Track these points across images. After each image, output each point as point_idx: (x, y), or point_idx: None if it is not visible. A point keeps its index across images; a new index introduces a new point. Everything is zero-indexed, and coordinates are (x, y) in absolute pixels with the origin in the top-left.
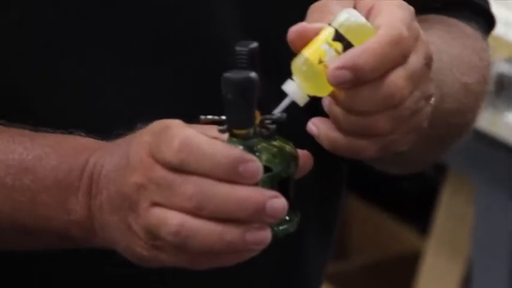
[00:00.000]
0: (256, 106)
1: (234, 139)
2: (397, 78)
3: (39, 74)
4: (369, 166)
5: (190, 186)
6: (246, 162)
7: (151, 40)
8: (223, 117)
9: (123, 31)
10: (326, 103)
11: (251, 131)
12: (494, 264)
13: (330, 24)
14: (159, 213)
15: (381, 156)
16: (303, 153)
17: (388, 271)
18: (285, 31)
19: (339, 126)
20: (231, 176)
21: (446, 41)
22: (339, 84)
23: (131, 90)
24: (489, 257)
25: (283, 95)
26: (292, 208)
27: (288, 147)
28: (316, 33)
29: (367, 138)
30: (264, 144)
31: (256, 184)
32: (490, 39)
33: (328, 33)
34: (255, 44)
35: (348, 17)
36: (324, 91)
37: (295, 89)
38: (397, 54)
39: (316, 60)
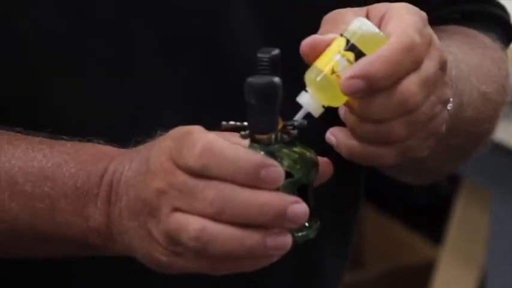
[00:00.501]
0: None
1: (256, 145)
2: (410, 84)
3: (53, 74)
4: (385, 176)
5: (212, 191)
6: (268, 167)
7: (160, 42)
8: (245, 123)
9: (133, 33)
10: (342, 112)
11: (273, 136)
12: (508, 274)
13: (341, 35)
14: (180, 218)
15: (400, 162)
16: (322, 161)
17: (403, 281)
18: (299, 32)
19: (355, 134)
20: (253, 181)
21: (465, 51)
22: (352, 93)
23: (142, 92)
24: (503, 267)
25: (298, 103)
26: (311, 215)
27: (309, 154)
28: (328, 44)
29: (385, 145)
30: (285, 150)
31: (277, 190)
32: (509, 51)
33: (339, 43)
34: (276, 51)
35: (359, 26)
36: (338, 101)
37: (309, 101)
38: (409, 61)
39: (328, 71)
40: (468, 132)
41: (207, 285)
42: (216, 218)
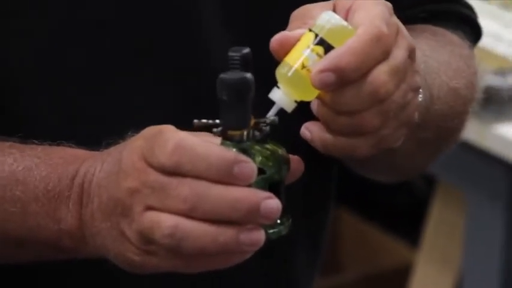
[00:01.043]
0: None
1: (228, 142)
2: (380, 73)
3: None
4: (361, 178)
5: (185, 188)
6: (241, 164)
7: (132, 45)
8: (217, 121)
9: (105, 36)
10: (314, 107)
11: (245, 133)
12: (485, 276)
13: (310, 30)
14: (152, 216)
15: (374, 153)
16: (293, 158)
17: (380, 284)
18: (269, 32)
19: (329, 127)
20: (226, 177)
21: (433, 47)
22: (323, 87)
23: (115, 98)
24: (480, 268)
25: (270, 100)
26: (283, 211)
27: (281, 151)
28: (297, 39)
29: (359, 136)
30: (257, 147)
31: (249, 186)
32: (478, 51)
33: (308, 38)
34: (247, 50)
35: (327, 20)
36: (310, 95)
37: (282, 96)
38: (378, 51)
39: (299, 66)
40: (439, 127)
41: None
42: (189, 214)
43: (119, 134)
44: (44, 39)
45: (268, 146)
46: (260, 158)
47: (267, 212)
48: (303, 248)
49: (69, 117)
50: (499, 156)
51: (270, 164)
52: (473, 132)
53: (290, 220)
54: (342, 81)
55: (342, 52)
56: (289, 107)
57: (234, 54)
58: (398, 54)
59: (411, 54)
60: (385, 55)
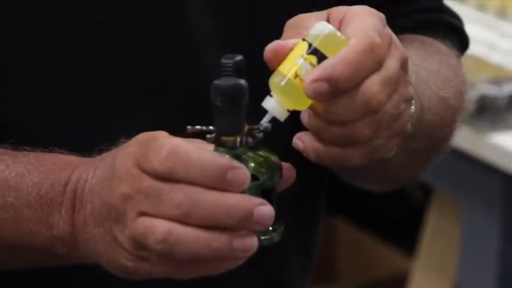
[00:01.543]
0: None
1: (221, 148)
2: (373, 84)
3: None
4: (356, 187)
5: (179, 194)
6: (234, 170)
7: (131, 46)
8: (211, 128)
9: (105, 36)
10: (305, 118)
11: (238, 139)
12: (481, 284)
13: (303, 39)
14: (146, 222)
15: (367, 163)
16: (286, 166)
17: None
18: (262, 41)
19: (320, 138)
20: (219, 183)
21: (422, 57)
22: (316, 96)
23: (114, 98)
24: (476, 277)
25: (261, 107)
26: (276, 218)
27: (273, 158)
28: (291, 49)
29: (351, 146)
30: (251, 154)
31: (242, 192)
32: (473, 60)
33: (302, 47)
34: (240, 57)
35: (321, 30)
36: (302, 105)
37: (274, 105)
38: (371, 62)
39: (292, 76)
40: (430, 137)
41: None
42: (182, 220)
43: (118, 135)
44: (44, 39)
45: (261, 152)
46: (253, 164)
47: (260, 219)
48: (295, 255)
49: (69, 117)
50: (494, 165)
51: (263, 170)
52: (469, 141)
53: (282, 227)
54: (335, 91)
55: (335, 62)
56: (282, 116)
57: (227, 61)
58: (391, 65)
59: (404, 64)
60: (378, 65)
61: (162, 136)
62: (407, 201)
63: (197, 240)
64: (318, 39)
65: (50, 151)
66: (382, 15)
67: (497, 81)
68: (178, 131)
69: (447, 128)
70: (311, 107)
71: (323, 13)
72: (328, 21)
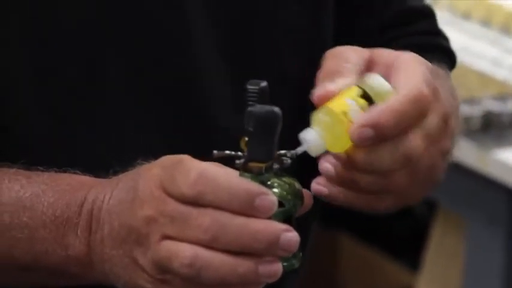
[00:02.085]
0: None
1: (247, 174)
2: (415, 137)
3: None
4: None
5: (207, 218)
6: (262, 196)
7: (119, 58)
8: (239, 153)
9: (99, 52)
10: (326, 165)
11: (265, 165)
12: None
13: (358, 86)
14: (170, 245)
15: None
16: (305, 193)
17: None
18: (259, 53)
19: (352, 185)
20: (247, 209)
21: None
22: (361, 141)
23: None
24: None
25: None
26: None
27: (297, 184)
28: (339, 93)
29: (383, 194)
30: (276, 180)
31: (269, 218)
32: (477, 76)
33: (353, 90)
34: (265, 83)
35: (377, 84)
36: (339, 146)
37: (315, 138)
38: (416, 113)
39: (341, 113)
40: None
41: None
42: (209, 245)
43: (117, 135)
44: (41, 41)
45: (285, 179)
46: (279, 191)
47: (286, 245)
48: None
49: (68, 117)
50: (499, 181)
51: (289, 197)
52: (473, 157)
53: (301, 253)
54: (379, 138)
55: (383, 109)
56: (318, 150)
57: (252, 87)
58: (433, 119)
59: (445, 118)
60: (422, 117)
61: (189, 160)
62: (412, 217)
63: (223, 265)
64: (369, 88)
65: (64, 171)
66: (429, 65)
67: (502, 97)
68: (177, 130)
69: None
70: (348, 153)
71: (362, 50)
72: (372, 61)
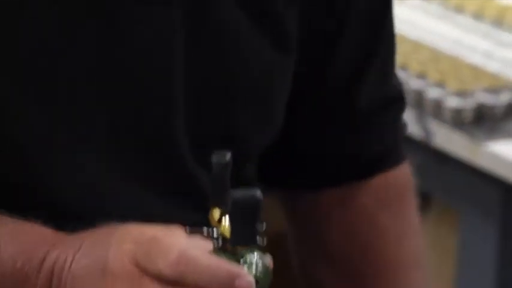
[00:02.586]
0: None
1: (221, 252)
2: None
3: None
4: None
5: None
6: (242, 278)
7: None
8: (214, 231)
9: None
10: None
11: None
12: None
13: None
14: None
15: None
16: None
17: None
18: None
19: None
20: None
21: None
22: None
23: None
24: (474, 287)
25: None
26: None
27: (268, 260)
28: None
29: None
30: (250, 258)
31: None
32: (470, 69)
33: None
34: (229, 156)
35: None
36: None
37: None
38: None
39: None
40: None
41: None
42: None
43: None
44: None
45: (256, 252)
46: (255, 270)
47: None
48: None
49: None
50: (491, 174)
51: (262, 276)
52: (466, 149)
53: None
54: None
55: None
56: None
57: (217, 161)
58: None
59: None
60: None
61: (164, 236)
62: None
63: None
64: None
65: (25, 219)
66: None
67: (494, 89)
68: (148, 179)
69: None
70: None
71: None
72: None
